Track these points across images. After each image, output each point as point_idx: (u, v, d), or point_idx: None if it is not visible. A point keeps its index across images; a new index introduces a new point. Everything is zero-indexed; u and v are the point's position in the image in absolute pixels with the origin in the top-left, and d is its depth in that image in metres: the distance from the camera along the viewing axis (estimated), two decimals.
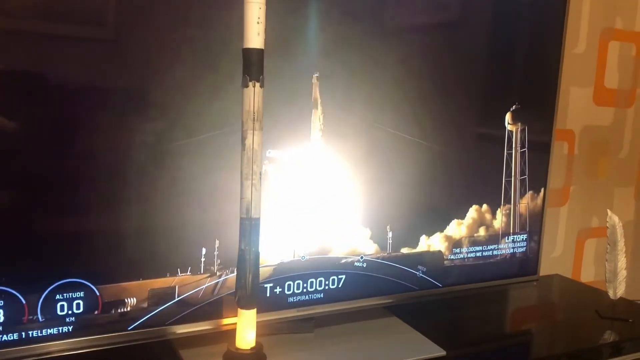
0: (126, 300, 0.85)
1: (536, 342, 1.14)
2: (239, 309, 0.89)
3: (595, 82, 1.63)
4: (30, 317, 0.79)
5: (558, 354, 1.06)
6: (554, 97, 1.20)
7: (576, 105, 1.60)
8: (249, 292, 0.89)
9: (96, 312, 0.83)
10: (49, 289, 0.80)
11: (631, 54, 1.69)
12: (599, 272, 1.76)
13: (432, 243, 1.10)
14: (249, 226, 0.88)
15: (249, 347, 0.91)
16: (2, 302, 0.77)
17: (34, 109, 0.76)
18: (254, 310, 0.89)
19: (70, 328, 0.82)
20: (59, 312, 0.81)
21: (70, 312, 0.82)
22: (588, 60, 1.61)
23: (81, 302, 0.82)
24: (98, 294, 0.83)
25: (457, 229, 1.12)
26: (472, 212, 1.14)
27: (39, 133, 0.77)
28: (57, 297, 0.80)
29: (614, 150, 1.72)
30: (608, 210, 1.25)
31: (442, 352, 0.99)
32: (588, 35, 1.58)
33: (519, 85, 1.17)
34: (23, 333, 0.79)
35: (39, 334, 0.80)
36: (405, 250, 1.07)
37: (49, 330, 0.80)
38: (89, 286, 0.82)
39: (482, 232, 1.15)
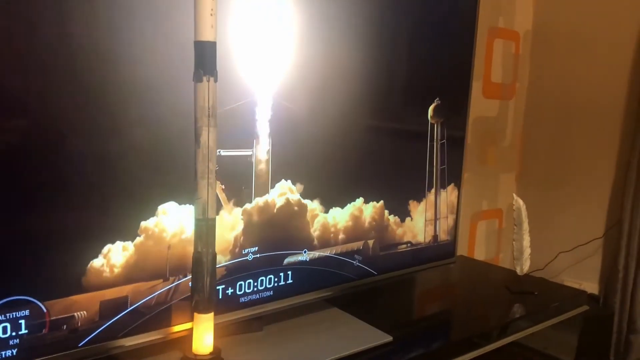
0: (76, 315, 0.78)
1: (468, 319, 1.22)
2: (195, 314, 0.86)
3: (483, 76, 1.77)
4: None
5: (493, 325, 1.17)
6: (467, 92, 1.29)
7: None
8: (206, 296, 0.85)
9: (44, 331, 0.75)
10: None
11: (511, 51, 1.85)
12: (489, 251, 1.93)
13: (367, 232, 1.13)
14: (205, 227, 0.84)
15: (207, 352, 0.88)
16: None
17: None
18: (212, 314, 0.86)
19: (15, 351, 0.73)
20: (1, 335, 0.72)
21: (14, 333, 0.73)
22: (478, 56, 1.74)
23: (26, 322, 0.74)
24: (45, 310, 0.75)
25: (387, 217, 1.17)
26: (399, 200, 1.19)
27: None
28: (0, 317, 0.71)
29: (499, 139, 1.89)
30: (514, 194, 1.37)
31: (389, 338, 1.03)
32: (478, 33, 1.71)
33: (439, 81, 1.23)
34: None
35: None
36: (342, 241, 1.09)
37: None
38: (35, 303, 0.74)
39: (409, 220, 1.21)
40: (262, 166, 0.96)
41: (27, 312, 0.73)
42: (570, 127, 1.81)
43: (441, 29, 1.22)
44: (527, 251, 1.34)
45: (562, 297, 1.33)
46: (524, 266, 1.35)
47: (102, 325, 0.81)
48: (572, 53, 1.80)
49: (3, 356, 0.72)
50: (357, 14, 1.05)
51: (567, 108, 1.82)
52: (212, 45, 0.81)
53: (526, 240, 1.34)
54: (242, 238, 0.95)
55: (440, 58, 1.23)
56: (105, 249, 0.79)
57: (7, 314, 0.72)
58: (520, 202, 1.35)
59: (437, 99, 1.21)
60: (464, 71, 1.28)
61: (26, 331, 0.74)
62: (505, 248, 1.97)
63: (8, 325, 0.72)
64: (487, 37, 1.75)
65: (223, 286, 0.94)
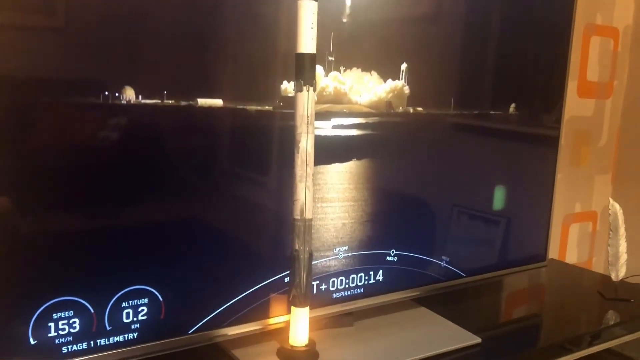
0: (187, 303, 0.86)
1: (558, 324, 1.20)
2: (292, 307, 0.92)
3: (579, 75, 1.72)
4: (98, 325, 0.79)
5: (585, 332, 1.16)
6: (562, 92, 1.27)
7: None
8: (303, 291, 0.91)
9: (159, 318, 0.84)
10: (116, 296, 0.80)
11: (609, 48, 1.79)
12: (582, 255, 1.87)
13: (455, 232, 1.15)
14: (303, 227, 0.90)
15: (303, 344, 0.93)
16: (72, 311, 0.76)
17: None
18: (308, 308, 0.92)
19: (135, 335, 0.82)
20: (124, 320, 0.81)
21: (135, 319, 0.82)
22: (573, 54, 1.69)
23: (146, 309, 0.82)
24: (161, 299, 0.83)
25: (476, 217, 1.18)
26: (492, 200, 1.20)
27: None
28: (124, 304, 0.80)
29: (594, 140, 1.83)
30: (610, 198, 1.34)
31: (477, 340, 1.04)
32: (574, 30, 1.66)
33: (533, 81, 1.23)
34: (92, 342, 0.78)
35: (106, 342, 0.80)
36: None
37: (115, 338, 0.80)
38: (153, 292, 0.82)
39: (500, 221, 1.21)
40: (354, 172, 1.00)
41: (146, 300, 0.82)
42: None
43: (537, 27, 1.22)
44: (624, 257, 1.31)
45: None
46: (620, 272, 1.31)
47: (209, 315, 0.88)
48: None
49: (126, 338, 0.81)
50: (459, 14, 1.07)
51: None
52: (312, 57, 0.86)
53: (622, 246, 1.30)
54: (333, 238, 1.00)
55: (535, 57, 1.22)
56: None
57: (130, 301, 0.81)
58: (617, 206, 1.31)
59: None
60: (559, 70, 1.27)
61: (145, 317, 0.82)
62: (598, 252, 1.90)
63: (130, 311, 0.81)
64: (583, 34, 1.69)
65: (317, 282, 0.99)
